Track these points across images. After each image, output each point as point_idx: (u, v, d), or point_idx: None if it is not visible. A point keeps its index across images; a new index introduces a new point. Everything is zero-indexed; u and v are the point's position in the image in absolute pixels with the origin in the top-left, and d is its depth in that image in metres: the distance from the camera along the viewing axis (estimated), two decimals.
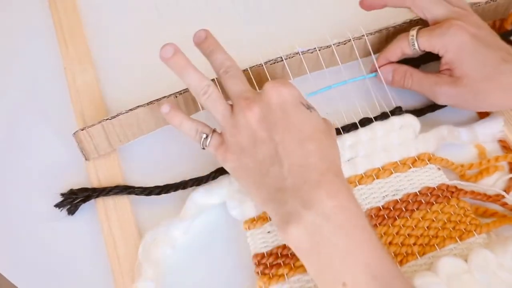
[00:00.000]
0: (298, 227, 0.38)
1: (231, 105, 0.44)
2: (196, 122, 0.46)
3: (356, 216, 0.39)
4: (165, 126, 0.52)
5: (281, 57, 0.52)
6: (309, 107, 0.43)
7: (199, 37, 0.47)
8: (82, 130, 0.48)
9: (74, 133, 0.48)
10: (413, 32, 0.51)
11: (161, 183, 0.49)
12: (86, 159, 0.50)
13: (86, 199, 0.48)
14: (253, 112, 0.42)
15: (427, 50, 0.50)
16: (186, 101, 0.51)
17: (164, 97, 0.50)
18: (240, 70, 0.46)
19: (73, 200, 0.47)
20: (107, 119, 0.49)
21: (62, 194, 0.48)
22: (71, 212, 0.48)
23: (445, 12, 0.50)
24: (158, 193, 0.48)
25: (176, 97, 0.50)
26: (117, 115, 0.49)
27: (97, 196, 0.48)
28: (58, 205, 0.48)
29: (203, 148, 0.45)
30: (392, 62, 0.53)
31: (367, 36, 0.53)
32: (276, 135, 0.41)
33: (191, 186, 0.49)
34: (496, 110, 0.52)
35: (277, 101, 0.42)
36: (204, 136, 0.45)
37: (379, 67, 0.53)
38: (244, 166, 0.42)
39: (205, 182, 0.49)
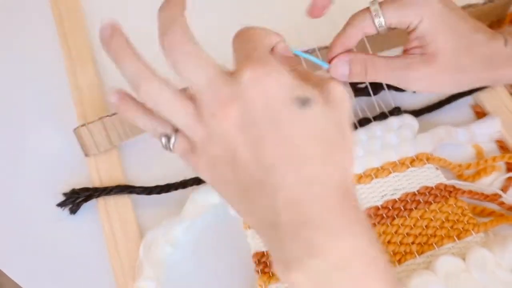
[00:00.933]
0: (301, 275, 0.29)
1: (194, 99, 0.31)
2: (154, 119, 0.33)
3: (372, 260, 0.30)
4: None
5: None
6: (305, 101, 0.30)
7: (104, 36, 0.33)
8: (82, 126, 0.48)
9: (75, 129, 0.49)
10: (375, 6, 0.42)
11: (162, 182, 0.49)
12: (86, 155, 0.50)
13: (87, 198, 0.48)
14: (229, 119, 0.30)
15: (395, 25, 0.42)
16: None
17: None
18: (192, 37, 0.31)
19: (75, 199, 0.48)
20: (107, 115, 0.49)
21: (65, 194, 0.48)
22: (73, 211, 0.48)
23: None
24: (159, 193, 0.49)
25: None
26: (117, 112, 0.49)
27: (99, 196, 0.48)
28: (61, 205, 0.48)
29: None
30: (349, 50, 0.43)
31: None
32: (264, 157, 0.30)
33: (191, 186, 0.49)
34: (474, 86, 0.46)
35: (261, 101, 0.30)
36: (165, 139, 0.33)
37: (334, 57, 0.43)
38: (224, 181, 0.32)
39: (205, 182, 0.49)
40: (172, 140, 0.33)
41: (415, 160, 0.50)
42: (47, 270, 0.46)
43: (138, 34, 0.59)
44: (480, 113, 0.54)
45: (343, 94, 0.32)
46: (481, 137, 0.52)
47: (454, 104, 0.54)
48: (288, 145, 0.30)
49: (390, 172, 0.49)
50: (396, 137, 0.51)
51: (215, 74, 0.31)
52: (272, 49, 0.34)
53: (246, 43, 0.33)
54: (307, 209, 0.30)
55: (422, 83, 0.42)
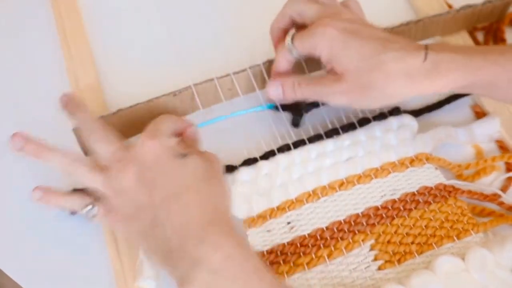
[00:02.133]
0: (192, 286, 0.37)
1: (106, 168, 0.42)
2: (75, 196, 0.43)
3: (246, 261, 0.39)
4: None
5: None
6: (184, 155, 0.42)
7: (18, 147, 0.43)
8: None
9: (74, 129, 0.49)
10: (288, 38, 0.48)
11: None
12: (85, 155, 0.50)
13: None
14: (128, 174, 0.40)
15: (305, 53, 0.48)
16: (182, 100, 0.51)
17: (163, 95, 0.50)
18: (101, 126, 0.43)
19: None
20: (107, 114, 0.49)
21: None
22: (73, 213, 0.48)
23: (316, 12, 0.48)
24: None
25: (175, 95, 0.50)
26: (117, 112, 0.49)
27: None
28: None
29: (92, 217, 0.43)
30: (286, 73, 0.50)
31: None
32: (156, 196, 0.40)
33: None
34: (399, 100, 0.48)
35: (151, 157, 0.41)
36: (89, 207, 0.42)
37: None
38: (133, 232, 0.41)
39: None
40: (95, 208, 0.42)
41: (414, 160, 0.50)
42: (47, 270, 0.46)
43: (138, 33, 0.59)
44: (480, 113, 0.54)
45: (216, 157, 0.43)
46: (480, 137, 0.52)
47: (453, 104, 0.54)
48: (170, 185, 0.40)
49: (389, 172, 0.50)
50: (396, 137, 0.51)
51: (118, 147, 0.42)
52: (182, 134, 0.45)
53: (152, 125, 0.44)
54: (189, 230, 0.39)
55: (337, 99, 0.47)
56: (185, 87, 0.51)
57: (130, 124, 0.50)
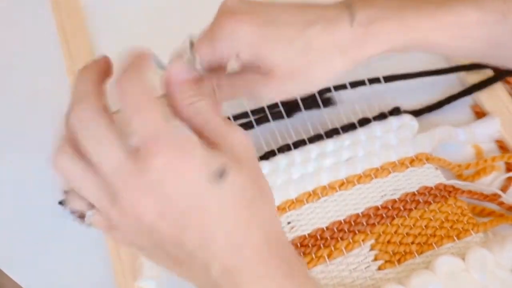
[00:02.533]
0: None
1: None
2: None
3: None
4: None
5: None
6: (221, 174, 0.29)
7: None
8: None
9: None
10: (186, 50, 0.38)
11: None
12: None
13: None
14: (149, 212, 0.29)
15: (214, 64, 0.38)
16: None
17: (164, 95, 0.50)
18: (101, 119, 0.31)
19: None
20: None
21: (65, 191, 0.48)
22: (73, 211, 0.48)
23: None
24: None
25: None
26: (117, 111, 0.49)
27: None
28: (62, 203, 0.47)
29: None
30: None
31: None
32: (191, 239, 0.30)
33: None
34: (322, 85, 0.41)
35: (178, 188, 0.28)
36: (89, 214, 0.31)
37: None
38: (156, 256, 0.32)
39: None
40: (90, 213, 0.31)
41: (414, 160, 0.50)
42: (47, 269, 0.46)
43: (137, 32, 0.59)
44: (480, 113, 0.54)
45: (246, 143, 0.32)
46: (480, 137, 0.52)
47: (453, 104, 0.54)
48: (212, 222, 0.30)
49: (389, 172, 0.50)
50: (396, 137, 0.51)
51: (124, 158, 0.28)
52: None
53: (134, 108, 0.30)
54: (241, 273, 0.30)
55: (272, 97, 0.40)
56: None
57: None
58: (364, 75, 0.54)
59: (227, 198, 0.30)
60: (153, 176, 0.28)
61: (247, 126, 0.51)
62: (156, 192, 0.28)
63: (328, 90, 0.53)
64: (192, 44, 0.37)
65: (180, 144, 0.28)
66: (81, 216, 0.31)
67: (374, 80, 0.54)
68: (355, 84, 0.54)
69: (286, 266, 0.32)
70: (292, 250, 0.34)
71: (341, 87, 0.54)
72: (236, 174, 0.30)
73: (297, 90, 0.41)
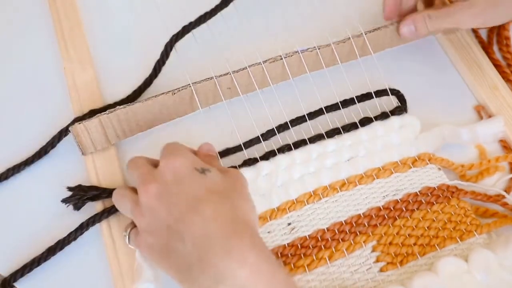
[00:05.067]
0: None
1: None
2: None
3: (273, 277, 0.37)
4: (161, 125, 0.52)
5: (280, 56, 0.52)
6: (203, 171, 0.41)
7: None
8: (79, 123, 0.48)
9: (71, 127, 0.48)
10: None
11: None
12: (83, 154, 0.49)
13: (95, 198, 0.47)
14: (149, 191, 0.40)
15: None
16: (181, 99, 0.51)
17: (162, 93, 0.50)
18: (136, 157, 0.44)
19: (81, 196, 0.47)
20: (104, 113, 0.49)
21: (70, 188, 0.48)
22: (77, 208, 0.47)
23: None
24: None
25: (173, 94, 0.50)
26: (115, 110, 0.49)
27: (107, 197, 0.47)
28: (65, 200, 0.47)
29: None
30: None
31: (365, 34, 0.53)
32: (174, 210, 0.39)
33: None
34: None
35: (171, 176, 0.40)
36: (125, 233, 0.44)
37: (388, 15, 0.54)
38: (155, 251, 0.40)
39: None
40: (128, 230, 0.44)
41: (417, 161, 0.50)
42: (44, 271, 0.46)
43: (136, 32, 0.59)
44: (483, 113, 0.54)
45: (239, 174, 0.43)
46: (484, 137, 0.52)
47: (457, 104, 0.54)
48: (189, 198, 0.39)
49: (391, 173, 0.49)
50: (398, 137, 0.50)
51: (142, 170, 0.42)
52: (196, 152, 0.45)
53: (170, 145, 0.43)
54: (211, 242, 0.37)
55: (470, 23, 0.51)
56: (184, 85, 0.50)
57: (128, 123, 0.50)
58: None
59: (205, 182, 0.40)
60: (158, 171, 0.41)
61: None
62: (156, 180, 0.40)
63: None
64: None
65: (178, 152, 0.42)
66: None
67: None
68: None
69: (252, 245, 0.37)
70: (263, 245, 0.39)
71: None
72: (218, 175, 0.41)
73: (490, 20, 0.51)
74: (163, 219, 0.39)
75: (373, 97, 0.52)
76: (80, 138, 0.49)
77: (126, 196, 0.43)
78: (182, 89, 0.50)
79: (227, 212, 0.38)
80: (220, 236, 0.37)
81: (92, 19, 0.59)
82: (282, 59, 0.52)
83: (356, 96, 0.53)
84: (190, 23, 0.55)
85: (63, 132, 0.51)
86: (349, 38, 0.53)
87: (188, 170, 0.40)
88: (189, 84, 0.50)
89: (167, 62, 0.54)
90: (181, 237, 0.38)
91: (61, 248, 0.46)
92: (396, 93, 0.53)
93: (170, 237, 0.38)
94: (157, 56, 0.54)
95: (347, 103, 0.53)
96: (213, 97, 0.52)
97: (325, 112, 0.52)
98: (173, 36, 0.54)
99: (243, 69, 0.51)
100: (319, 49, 0.52)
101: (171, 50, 0.54)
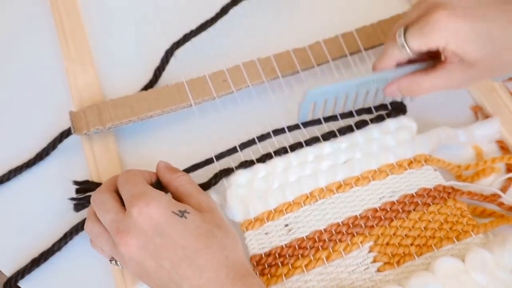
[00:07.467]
0: None
1: None
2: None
3: None
4: (157, 117, 0.52)
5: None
6: (182, 213, 0.40)
7: None
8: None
9: (70, 112, 0.50)
10: (400, 38, 0.45)
11: None
12: (74, 132, 0.50)
13: None
14: (129, 244, 0.39)
15: (421, 50, 0.45)
16: (177, 90, 0.52)
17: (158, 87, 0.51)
18: (101, 192, 0.43)
19: (87, 191, 0.48)
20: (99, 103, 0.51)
21: (76, 182, 0.48)
22: (78, 209, 0.48)
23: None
24: None
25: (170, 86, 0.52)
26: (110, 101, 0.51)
27: None
28: (73, 198, 0.48)
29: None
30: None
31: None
32: (164, 262, 0.39)
33: None
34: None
35: (149, 225, 0.39)
36: (113, 261, 0.43)
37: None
38: (149, 283, 0.41)
39: (207, 189, 0.49)
40: (110, 261, 0.44)
41: (412, 162, 0.50)
42: (45, 270, 0.47)
43: (138, 33, 0.59)
44: (480, 114, 0.54)
45: (213, 204, 0.43)
46: (481, 138, 0.52)
47: (453, 105, 0.54)
48: (177, 247, 0.39)
49: (387, 174, 0.49)
50: (394, 139, 0.51)
51: (114, 217, 0.41)
52: (154, 173, 0.45)
53: (126, 183, 0.42)
54: None
55: (465, 85, 0.49)
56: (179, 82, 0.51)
57: (123, 108, 0.51)
58: None
59: (187, 227, 0.40)
60: (131, 220, 0.40)
61: None
62: (133, 230, 0.39)
63: None
64: (405, 31, 0.45)
65: (148, 197, 0.40)
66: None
67: None
68: None
69: (251, 285, 0.39)
70: (256, 279, 0.40)
71: None
72: (197, 214, 0.41)
73: (484, 80, 0.51)
74: (153, 271, 0.39)
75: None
76: (75, 118, 0.50)
77: (101, 236, 0.42)
78: (178, 83, 0.52)
79: (219, 257, 0.40)
80: (219, 285, 0.39)
81: (93, 20, 0.59)
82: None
83: None
84: (192, 31, 0.56)
85: (64, 134, 0.51)
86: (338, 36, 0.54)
87: (167, 216, 0.40)
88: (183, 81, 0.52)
89: (167, 68, 0.55)
90: (179, 286, 0.39)
91: (65, 244, 0.47)
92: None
93: (164, 284, 0.40)
94: (158, 54, 0.55)
95: None
96: (203, 91, 0.53)
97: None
98: (174, 44, 0.55)
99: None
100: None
101: (171, 56, 0.55)
